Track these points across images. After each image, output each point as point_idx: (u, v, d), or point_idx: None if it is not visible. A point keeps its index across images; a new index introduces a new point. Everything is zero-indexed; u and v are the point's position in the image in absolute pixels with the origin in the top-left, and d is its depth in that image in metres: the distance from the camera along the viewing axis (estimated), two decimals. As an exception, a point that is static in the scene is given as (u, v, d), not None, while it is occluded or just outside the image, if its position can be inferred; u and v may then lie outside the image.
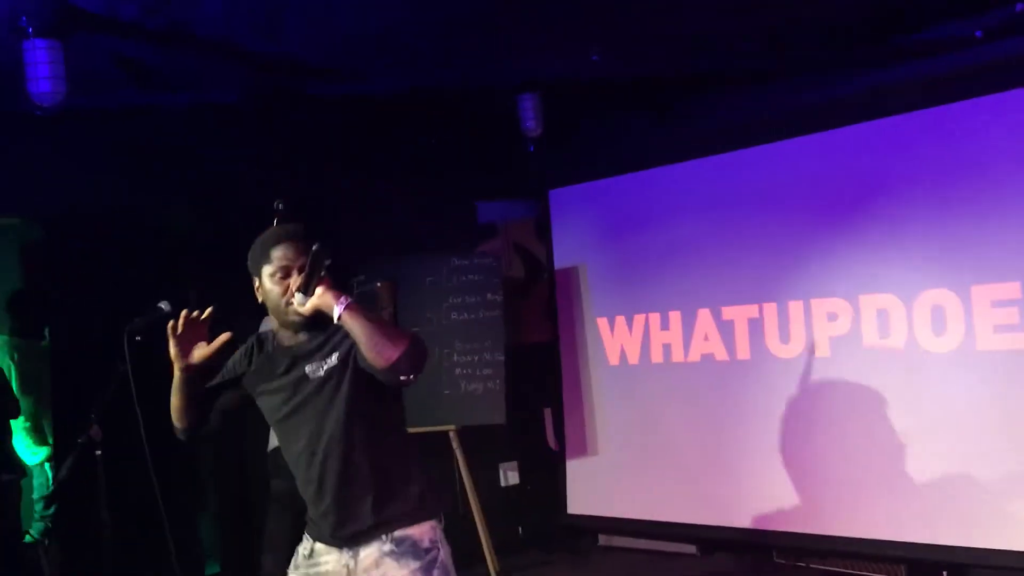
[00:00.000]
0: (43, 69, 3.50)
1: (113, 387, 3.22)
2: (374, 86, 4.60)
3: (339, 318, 2.28)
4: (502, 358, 4.66)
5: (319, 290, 2.31)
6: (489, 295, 4.78)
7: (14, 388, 4.47)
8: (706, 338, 5.01)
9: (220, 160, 4.70)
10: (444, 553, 2.46)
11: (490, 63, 4.44)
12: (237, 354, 2.59)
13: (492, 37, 4.06)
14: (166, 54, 3.88)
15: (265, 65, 4.10)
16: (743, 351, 4.86)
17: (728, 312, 4.92)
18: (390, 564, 2.38)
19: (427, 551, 2.41)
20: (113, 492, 3.13)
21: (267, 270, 2.44)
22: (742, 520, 4.83)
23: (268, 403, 2.53)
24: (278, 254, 2.42)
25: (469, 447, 5.02)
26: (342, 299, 2.29)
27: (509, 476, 5.81)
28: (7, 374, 4.46)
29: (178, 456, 2.40)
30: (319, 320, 2.38)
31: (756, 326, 4.81)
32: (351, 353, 2.36)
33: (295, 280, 2.37)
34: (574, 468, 5.61)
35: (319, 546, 2.47)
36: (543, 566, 5.42)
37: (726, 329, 4.93)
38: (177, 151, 4.54)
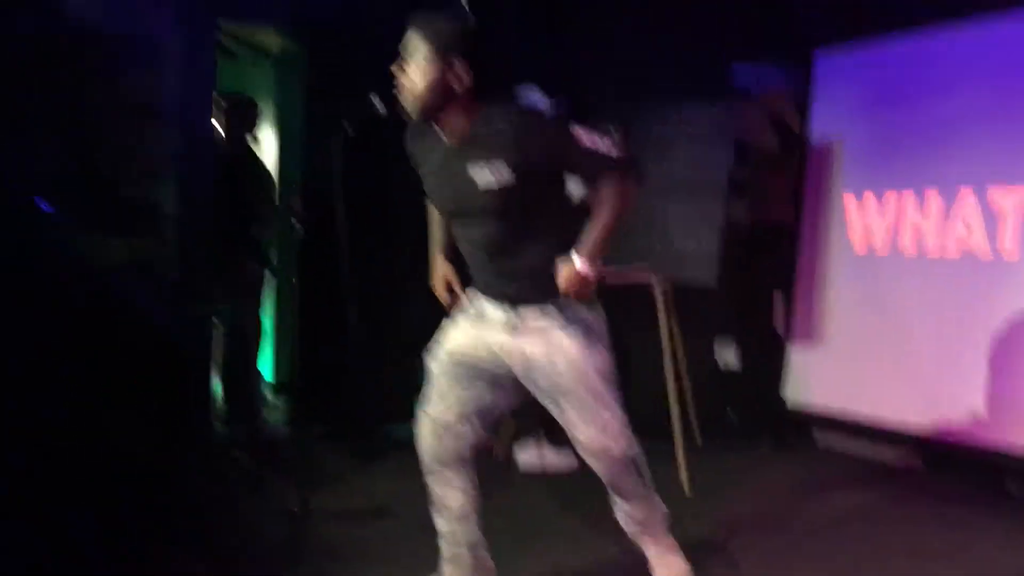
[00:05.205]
0: None
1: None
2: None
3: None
4: (721, 222, 4.32)
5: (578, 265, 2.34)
6: (718, 151, 4.42)
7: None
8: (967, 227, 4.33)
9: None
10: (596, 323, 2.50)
11: None
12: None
13: None
14: None
15: None
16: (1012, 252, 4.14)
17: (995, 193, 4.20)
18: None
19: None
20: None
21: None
22: (978, 439, 4.23)
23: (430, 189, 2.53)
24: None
25: (683, 315, 4.78)
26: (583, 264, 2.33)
27: (725, 354, 5.51)
28: None
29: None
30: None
31: (1031, 216, 4.07)
32: (526, 158, 2.27)
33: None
34: (797, 357, 5.20)
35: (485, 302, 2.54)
36: (748, 450, 5.10)
37: (991, 221, 4.22)
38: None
